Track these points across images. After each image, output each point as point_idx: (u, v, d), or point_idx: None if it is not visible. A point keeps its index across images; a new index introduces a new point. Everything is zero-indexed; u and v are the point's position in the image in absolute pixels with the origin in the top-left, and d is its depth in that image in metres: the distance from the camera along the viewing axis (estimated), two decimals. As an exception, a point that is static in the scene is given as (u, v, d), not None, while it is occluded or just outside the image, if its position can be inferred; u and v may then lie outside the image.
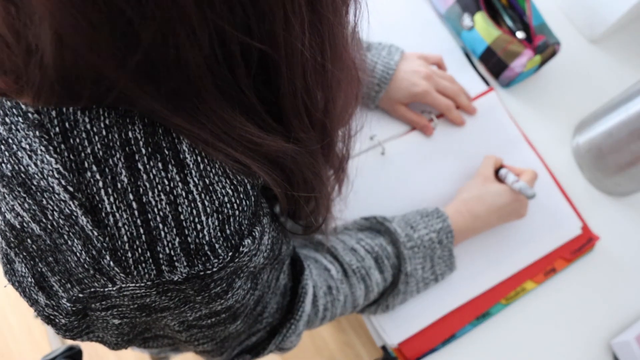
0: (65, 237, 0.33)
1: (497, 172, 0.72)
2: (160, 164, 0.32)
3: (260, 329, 0.51)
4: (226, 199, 0.34)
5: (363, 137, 0.73)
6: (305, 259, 0.59)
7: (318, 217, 0.46)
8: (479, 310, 0.70)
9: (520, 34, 0.78)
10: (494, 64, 0.80)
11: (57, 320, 0.37)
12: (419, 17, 0.84)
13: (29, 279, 0.36)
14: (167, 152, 0.32)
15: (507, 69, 0.78)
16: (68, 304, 0.36)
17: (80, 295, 0.35)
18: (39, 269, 0.36)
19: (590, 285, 0.74)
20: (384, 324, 0.67)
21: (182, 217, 0.33)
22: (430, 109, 0.76)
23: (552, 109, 0.83)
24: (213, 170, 0.34)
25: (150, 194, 0.32)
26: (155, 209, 0.32)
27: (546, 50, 0.77)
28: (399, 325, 0.67)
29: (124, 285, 0.33)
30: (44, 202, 0.32)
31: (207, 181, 0.33)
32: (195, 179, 0.33)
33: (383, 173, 0.73)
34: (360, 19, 0.36)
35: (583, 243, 0.75)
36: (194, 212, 0.33)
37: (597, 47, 0.89)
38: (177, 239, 0.33)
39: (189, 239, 0.33)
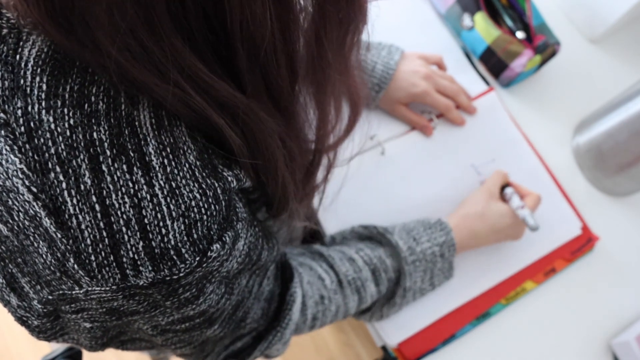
0: (31, 238, 0.32)
1: (502, 188, 0.71)
2: (125, 166, 0.32)
3: (245, 335, 0.51)
4: (193, 203, 0.33)
5: (363, 137, 0.73)
6: (299, 266, 0.59)
7: (283, 187, 0.44)
8: (478, 310, 0.70)
9: (520, 34, 0.78)
10: (494, 64, 0.80)
11: (29, 322, 0.37)
12: (419, 17, 0.84)
13: (0, 280, 0.36)
14: (132, 155, 0.32)
15: (507, 69, 0.78)
16: (39, 306, 0.36)
17: (50, 297, 0.35)
18: (9, 270, 0.35)
19: (590, 285, 0.74)
20: (383, 324, 0.67)
21: (146, 220, 0.32)
22: (430, 108, 0.76)
23: (552, 109, 0.83)
24: (180, 174, 0.33)
25: (113, 196, 0.31)
26: (119, 212, 0.32)
27: (546, 50, 0.77)
28: (399, 325, 0.67)
29: (90, 289, 0.33)
30: (10, 202, 0.32)
31: (174, 184, 0.33)
32: (161, 182, 0.32)
33: (383, 173, 0.73)
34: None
35: (583, 243, 0.75)
36: (159, 215, 0.32)
37: (597, 47, 0.89)
38: (141, 243, 0.32)
39: (153, 243, 0.32)
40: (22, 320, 0.37)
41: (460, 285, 0.70)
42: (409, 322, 0.68)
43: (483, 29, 0.78)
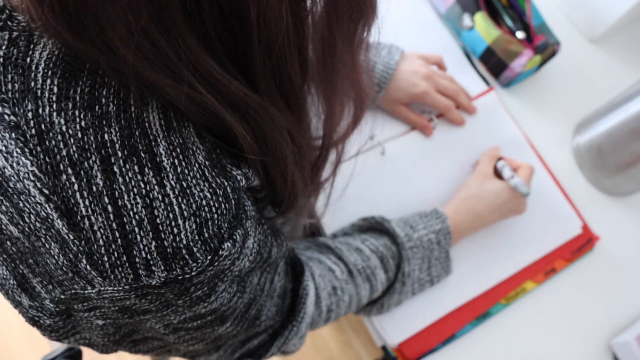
0: (43, 240, 0.32)
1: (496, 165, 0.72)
2: (136, 167, 0.32)
3: (261, 332, 0.51)
4: (204, 202, 0.33)
5: (363, 137, 0.73)
6: (309, 260, 0.59)
7: (292, 183, 0.44)
8: (479, 310, 0.70)
9: (520, 34, 0.78)
10: (494, 64, 0.80)
11: (41, 322, 0.37)
12: (419, 17, 0.84)
13: (11, 281, 0.36)
14: (143, 155, 0.32)
15: (507, 69, 0.78)
16: (51, 305, 0.36)
17: (62, 296, 0.35)
18: (20, 271, 0.35)
19: (590, 285, 0.74)
20: (384, 324, 0.67)
21: (158, 220, 0.32)
22: (430, 108, 0.76)
23: (552, 109, 0.83)
24: (191, 174, 0.33)
25: (125, 197, 0.32)
26: (131, 213, 0.32)
27: (546, 50, 0.77)
28: (399, 325, 0.67)
29: (102, 289, 0.33)
30: (21, 204, 0.32)
31: (185, 184, 0.33)
32: (172, 182, 0.33)
33: (383, 173, 0.73)
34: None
35: (583, 243, 0.75)
36: (171, 215, 0.32)
37: (597, 47, 0.89)
38: (154, 243, 0.32)
39: (165, 242, 0.32)
40: (34, 321, 0.37)
41: (460, 285, 0.70)
42: (409, 322, 0.68)
43: (483, 29, 0.78)
